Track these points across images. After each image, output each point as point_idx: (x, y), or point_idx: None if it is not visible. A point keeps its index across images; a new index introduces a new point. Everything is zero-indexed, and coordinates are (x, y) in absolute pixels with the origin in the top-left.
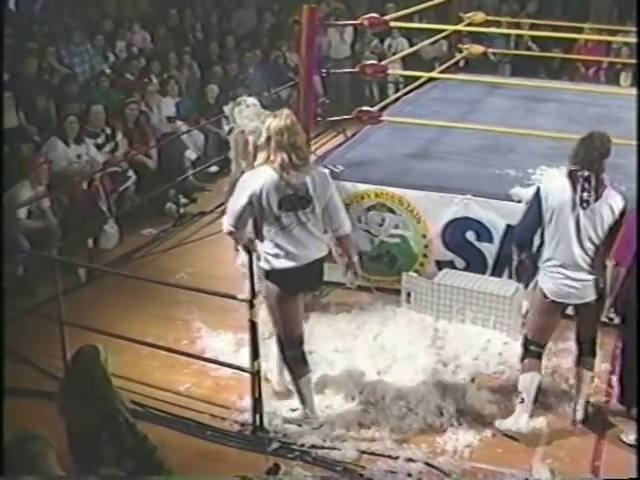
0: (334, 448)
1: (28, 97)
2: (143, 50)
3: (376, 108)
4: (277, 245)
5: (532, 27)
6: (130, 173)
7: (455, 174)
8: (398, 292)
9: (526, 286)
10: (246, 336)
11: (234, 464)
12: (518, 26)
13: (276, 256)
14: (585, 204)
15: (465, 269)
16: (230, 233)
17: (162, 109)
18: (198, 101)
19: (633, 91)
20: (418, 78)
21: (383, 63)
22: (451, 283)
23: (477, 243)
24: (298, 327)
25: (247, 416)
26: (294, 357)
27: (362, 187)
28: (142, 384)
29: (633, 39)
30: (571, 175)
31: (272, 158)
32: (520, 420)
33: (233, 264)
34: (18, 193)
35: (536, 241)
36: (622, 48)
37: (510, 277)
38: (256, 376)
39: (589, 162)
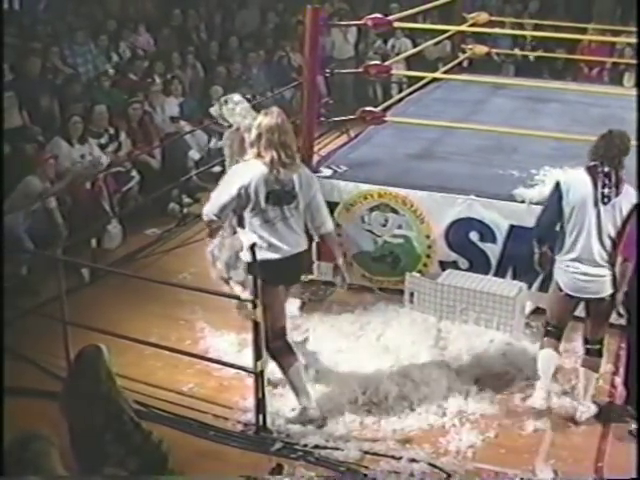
0: (337, 448)
1: (32, 97)
2: (147, 52)
3: (379, 108)
4: (260, 237)
5: (535, 27)
6: (134, 173)
7: (458, 174)
8: (401, 292)
9: (530, 286)
10: (249, 336)
11: (237, 464)
12: (522, 26)
13: (259, 248)
14: (606, 199)
15: (468, 269)
16: (210, 222)
17: (165, 109)
18: (202, 101)
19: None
20: (422, 78)
21: (387, 63)
22: (454, 283)
23: (480, 244)
24: (280, 319)
25: (250, 416)
26: (279, 348)
27: (365, 187)
28: (145, 384)
29: (636, 40)
30: (591, 171)
31: (262, 155)
32: (536, 396)
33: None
34: (29, 184)
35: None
36: (625, 49)
37: (514, 277)
38: (259, 376)
39: (609, 158)
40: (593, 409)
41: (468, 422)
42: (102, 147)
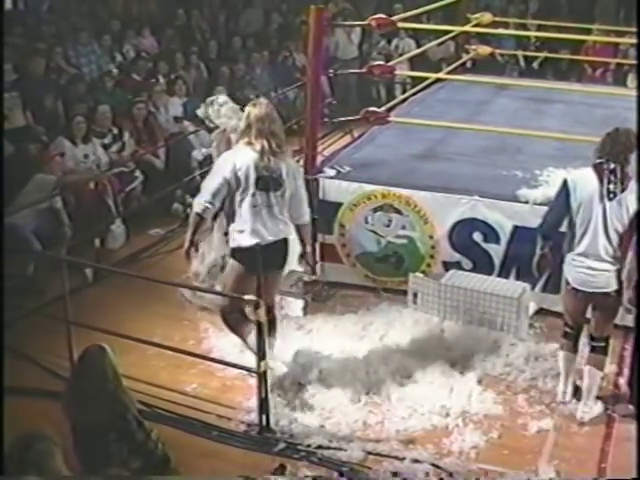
0: (340, 449)
1: (36, 97)
2: (151, 53)
3: (383, 109)
4: (245, 222)
5: (539, 28)
6: (137, 173)
7: (462, 175)
8: (405, 293)
9: (533, 287)
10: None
11: (240, 464)
12: (525, 27)
13: (242, 232)
14: (612, 195)
15: (472, 270)
16: (204, 210)
17: (169, 109)
18: (205, 101)
19: None
20: (425, 79)
21: (390, 64)
22: (458, 284)
23: (484, 244)
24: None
25: (253, 416)
26: (236, 320)
27: (369, 188)
28: (148, 384)
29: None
30: (597, 168)
31: (253, 143)
32: (559, 389)
33: None
34: (41, 182)
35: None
36: (629, 49)
37: (517, 278)
38: (262, 376)
39: (614, 155)
40: (597, 409)
41: (471, 423)
42: (106, 147)
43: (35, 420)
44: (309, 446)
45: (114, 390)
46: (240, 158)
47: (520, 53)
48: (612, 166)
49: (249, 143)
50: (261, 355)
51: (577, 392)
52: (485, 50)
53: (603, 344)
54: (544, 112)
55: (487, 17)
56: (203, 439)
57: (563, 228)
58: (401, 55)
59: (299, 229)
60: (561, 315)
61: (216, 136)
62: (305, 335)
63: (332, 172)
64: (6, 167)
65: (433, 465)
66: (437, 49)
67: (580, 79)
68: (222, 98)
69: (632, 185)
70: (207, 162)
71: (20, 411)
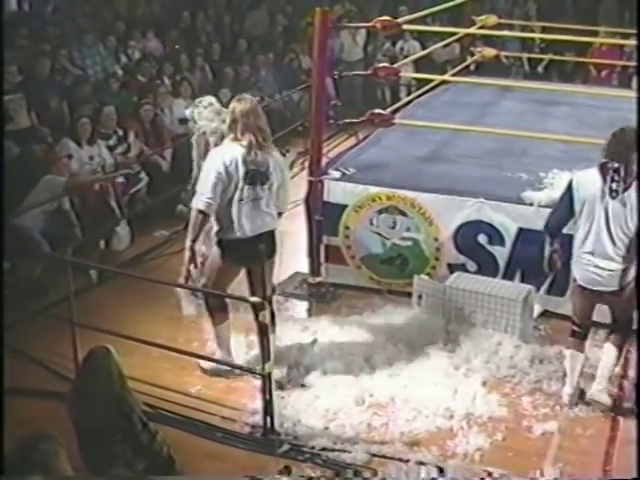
0: (345, 451)
1: (41, 98)
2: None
3: (388, 111)
4: (229, 215)
5: (544, 30)
6: (142, 175)
7: (467, 177)
8: (409, 295)
9: (538, 289)
10: (257, 338)
11: (244, 466)
12: (530, 29)
13: (225, 225)
14: (614, 194)
15: (477, 272)
16: (207, 206)
17: (174, 111)
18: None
19: None
20: (430, 81)
21: (395, 66)
22: (462, 286)
23: (489, 246)
24: (223, 286)
25: (258, 418)
26: (216, 305)
27: (374, 190)
28: (153, 385)
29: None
30: (602, 167)
31: (239, 138)
32: (564, 391)
33: None
34: (50, 183)
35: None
36: (634, 52)
37: (522, 280)
38: (267, 378)
39: (618, 154)
40: (604, 398)
41: (476, 425)
42: (111, 149)
43: (40, 421)
44: (313, 448)
45: (119, 391)
46: (228, 154)
47: (525, 55)
48: (616, 165)
49: (235, 139)
50: (265, 357)
51: (582, 395)
52: (490, 52)
53: (623, 326)
54: (549, 114)
55: (492, 19)
56: (207, 441)
57: (568, 230)
58: (406, 57)
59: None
60: (566, 317)
61: (196, 138)
62: (310, 337)
63: (337, 174)
64: (12, 168)
65: (437, 467)
66: (442, 51)
67: (585, 81)
68: (207, 100)
69: (635, 184)
70: None
71: (25, 412)
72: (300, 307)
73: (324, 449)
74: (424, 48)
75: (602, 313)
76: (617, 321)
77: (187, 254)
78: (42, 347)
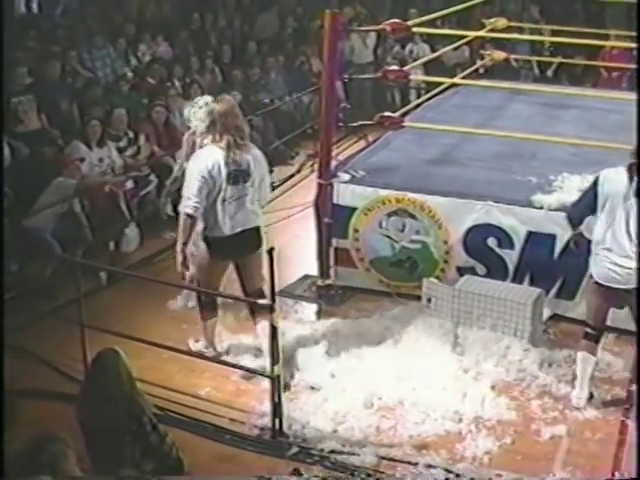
0: (353, 453)
1: (51, 100)
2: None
3: (398, 114)
4: (213, 215)
5: (553, 33)
6: (152, 177)
7: (476, 180)
8: (419, 298)
9: (547, 293)
10: (266, 340)
11: (253, 469)
12: (540, 32)
13: (210, 224)
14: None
15: (486, 275)
16: (195, 210)
17: (184, 113)
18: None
19: None
20: (440, 84)
21: (405, 69)
22: (472, 289)
23: (498, 249)
24: (217, 283)
25: (266, 420)
26: (207, 303)
27: (383, 192)
28: (162, 388)
29: None
30: (629, 167)
31: (218, 139)
32: (573, 394)
33: None
34: (61, 185)
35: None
36: None
37: (531, 283)
38: (276, 380)
39: None
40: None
41: (484, 428)
42: (121, 151)
43: (49, 422)
44: (322, 450)
45: (129, 393)
46: (210, 158)
47: (534, 58)
48: None
49: (214, 140)
50: (274, 359)
51: (591, 398)
52: (500, 55)
53: None
54: (559, 117)
55: (502, 22)
56: (216, 443)
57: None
58: (415, 60)
59: None
60: (575, 321)
61: (186, 137)
62: (318, 339)
63: (346, 176)
64: (22, 169)
65: (446, 470)
66: (452, 54)
67: (595, 84)
68: (203, 100)
69: None
70: None
71: (34, 413)
72: (309, 309)
73: (333, 452)
74: (434, 51)
75: (612, 318)
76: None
77: (179, 257)
78: (51, 348)
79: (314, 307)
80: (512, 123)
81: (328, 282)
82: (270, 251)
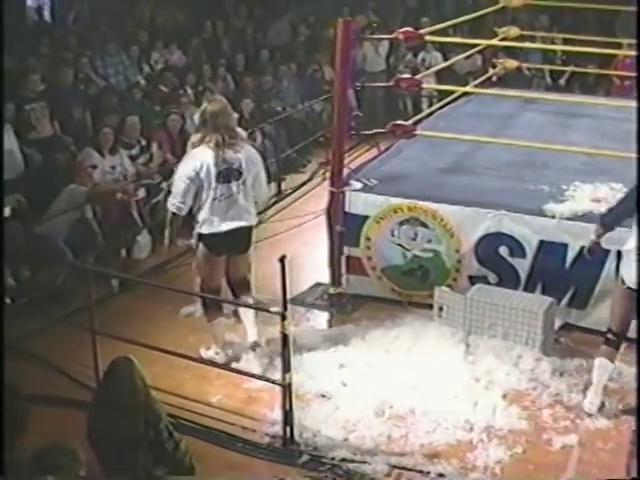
0: (364, 462)
1: (63, 107)
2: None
3: (410, 122)
4: (205, 213)
5: (566, 42)
6: (163, 185)
7: (489, 189)
8: (430, 306)
9: (559, 302)
10: (278, 348)
11: (264, 476)
12: (552, 41)
13: (202, 222)
14: None
15: (498, 284)
16: (178, 209)
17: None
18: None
19: None
20: (452, 92)
21: (417, 77)
22: (483, 298)
23: (510, 258)
24: (217, 281)
25: (278, 428)
26: (212, 304)
27: (395, 201)
28: (174, 395)
29: None
30: None
31: (207, 139)
32: (586, 400)
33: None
34: (73, 192)
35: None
36: None
37: (543, 292)
38: (287, 389)
39: None
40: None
41: (496, 437)
42: (133, 158)
43: (59, 428)
44: (333, 459)
45: (144, 400)
46: (199, 159)
47: (547, 67)
48: None
49: (204, 141)
50: (286, 367)
51: (603, 407)
52: (512, 64)
53: None
54: (571, 126)
55: (514, 31)
56: (228, 450)
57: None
58: (428, 68)
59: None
60: (587, 330)
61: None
62: (330, 347)
63: (358, 185)
64: (35, 176)
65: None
66: (464, 62)
67: (608, 93)
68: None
69: None
70: None
71: (44, 419)
72: (321, 318)
73: (344, 460)
74: (446, 59)
75: None
76: None
77: (166, 242)
78: (63, 355)
79: (326, 315)
80: (524, 132)
81: (340, 290)
82: (282, 259)
